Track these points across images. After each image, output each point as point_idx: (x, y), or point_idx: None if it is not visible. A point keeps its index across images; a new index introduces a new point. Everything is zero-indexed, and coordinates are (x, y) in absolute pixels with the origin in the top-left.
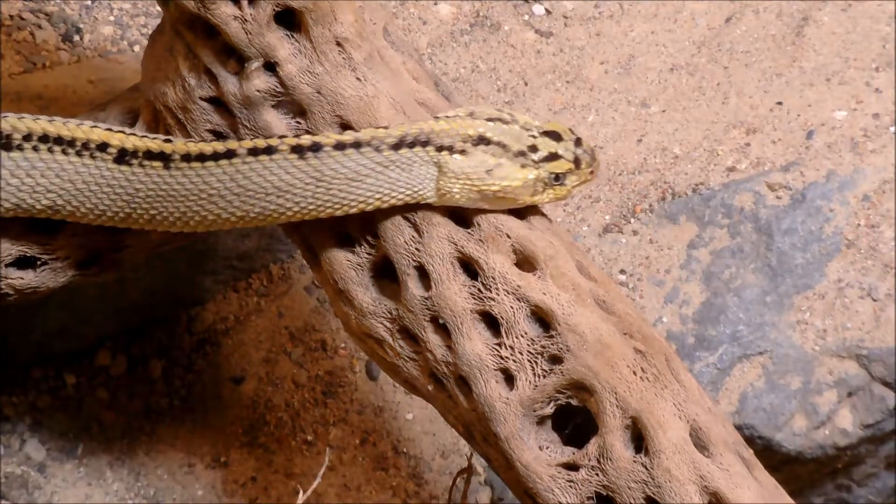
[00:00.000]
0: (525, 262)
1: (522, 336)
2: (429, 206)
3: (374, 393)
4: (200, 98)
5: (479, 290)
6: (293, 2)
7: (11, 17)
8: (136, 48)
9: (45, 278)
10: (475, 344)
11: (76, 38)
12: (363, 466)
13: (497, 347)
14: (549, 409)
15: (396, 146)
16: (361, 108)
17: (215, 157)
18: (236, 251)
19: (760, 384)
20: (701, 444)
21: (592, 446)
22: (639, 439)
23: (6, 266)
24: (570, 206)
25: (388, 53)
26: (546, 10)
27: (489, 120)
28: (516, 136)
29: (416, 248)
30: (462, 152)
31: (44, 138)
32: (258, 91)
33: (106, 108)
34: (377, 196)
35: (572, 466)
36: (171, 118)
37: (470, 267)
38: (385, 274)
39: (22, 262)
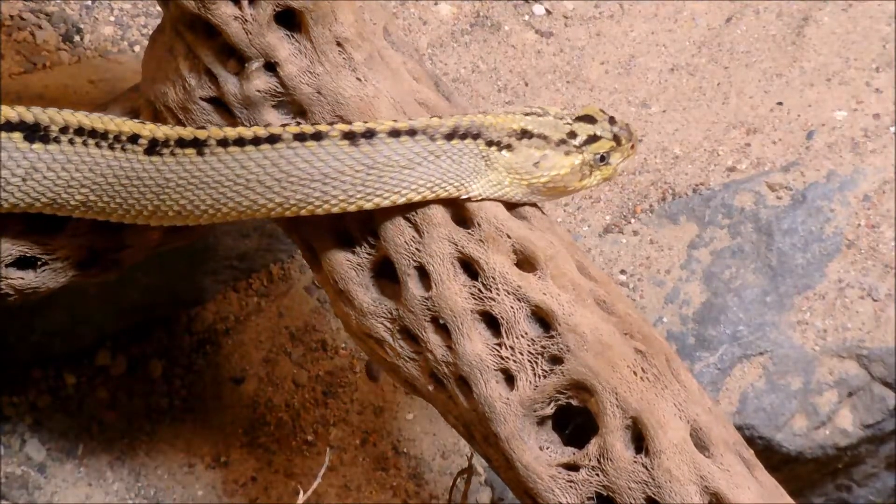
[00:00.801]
0: (525, 263)
1: (523, 336)
2: (427, 206)
3: (374, 393)
4: (201, 98)
5: (479, 290)
6: (293, 2)
7: (11, 17)
8: (137, 48)
9: (45, 278)
10: (475, 344)
11: (76, 38)
12: (363, 466)
13: (497, 347)
14: (550, 410)
15: (449, 136)
16: (361, 109)
17: (256, 141)
18: (236, 251)
19: (761, 384)
20: (701, 444)
21: (593, 446)
22: (639, 439)
23: (6, 266)
24: (570, 206)
25: (388, 53)
26: (546, 10)
27: (526, 114)
28: (553, 125)
29: (417, 249)
30: (508, 147)
31: (79, 131)
32: (258, 91)
33: (106, 108)
34: (427, 186)
35: (573, 467)
36: (172, 118)
37: (470, 267)
38: (385, 274)
39: (22, 263)
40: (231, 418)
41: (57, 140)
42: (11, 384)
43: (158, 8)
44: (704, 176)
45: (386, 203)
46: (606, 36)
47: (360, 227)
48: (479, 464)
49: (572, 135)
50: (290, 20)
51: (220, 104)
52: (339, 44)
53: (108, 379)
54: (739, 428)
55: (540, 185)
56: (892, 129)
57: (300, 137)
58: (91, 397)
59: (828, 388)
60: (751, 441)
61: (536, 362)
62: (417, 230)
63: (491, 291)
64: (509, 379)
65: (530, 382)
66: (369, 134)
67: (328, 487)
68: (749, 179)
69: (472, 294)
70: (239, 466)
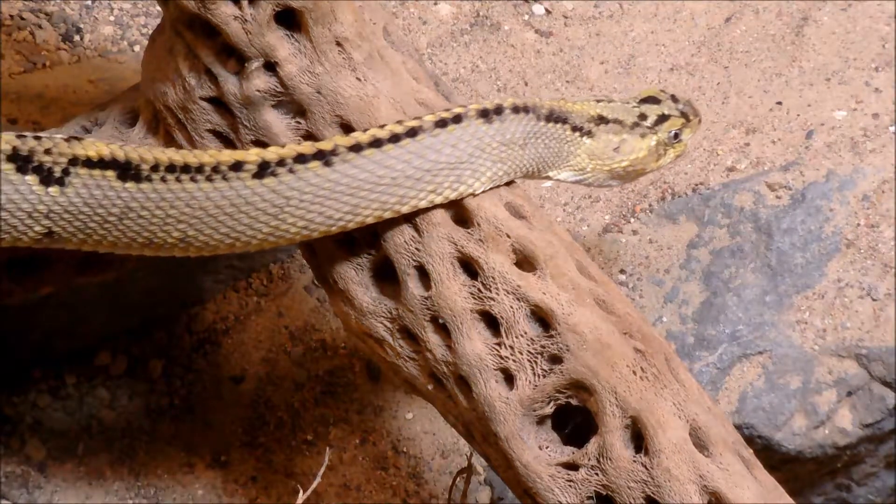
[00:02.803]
0: (525, 262)
1: (522, 336)
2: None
3: (374, 393)
4: (201, 98)
5: (478, 289)
6: (293, 2)
7: (11, 17)
8: (137, 48)
9: (45, 278)
10: (475, 344)
11: (76, 37)
12: (363, 466)
13: (497, 347)
14: (549, 409)
15: (548, 117)
16: (361, 108)
17: (395, 138)
18: None
19: (760, 384)
20: (701, 443)
21: (592, 446)
22: (638, 439)
23: (5, 266)
24: (570, 206)
25: (388, 53)
26: (546, 9)
27: (597, 101)
28: (625, 109)
29: (416, 248)
30: (589, 133)
31: (171, 168)
32: (258, 91)
33: (106, 108)
34: (523, 167)
35: (572, 466)
36: (172, 118)
37: (470, 267)
38: (385, 273)
39: (22, 263)
40: (231, 418)
41: (149, 179)
42: (11, 384)
43: (158, 8)
44: (704, 175)
45: (485, 185)
46: (606, 36)
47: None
48: (479, 463)
49: (643, 117)
50: (289, 20)
51: (219, 104)
52: (338, 43)
53: (108, 379)
54: (739, 427)
55: (620, 170)
56: (892, 128)
57: (441, 124)
58: (91, 397)
59: (827, 387)
60: (750, 440)
61: (536, 362)
62: (417, 230)
63: (490, 291)
64: (509, 378)
65: (530, 382)
66: (498, 111)
67: (328, 487)
68: (748, 179)
69: (471, 294)
70: (239, 466)
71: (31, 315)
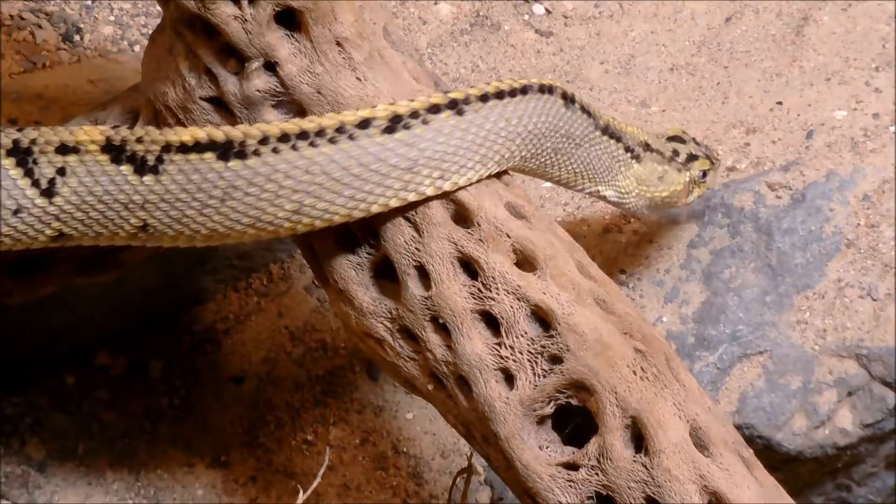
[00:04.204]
0: (525, 262)
1: (522, 336)
2: (427, 205)
3: (374, 393)
4: (201, 98)
5: (479, 289)
6: (293, 1)
7: (11, 17)
8: (137, 48)
9: (45, 279)
10: (475, 344)
11: (76, 37)
12: (363, 466)
13: (497, 347)
14: (549, 409)
15: (604, 130)
16: (361, 108)
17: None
18: (236, 250)
19: (760, 384)
20: (701, 443)
21: (592, 446)
22: (639, 439)
23: (7, 267)
24: (570, 206)
25: (388, 53)
26: (546, 9)
27: (640, 128)
28: (661, 142)
29: (416, 248)
30: (638, 158)
31: (284, 138)
32: (258, 91)
33: (106, 108)
34: (578, 170)
35: (572, 466)
36: (172, 118)
37: (470, 267)
38: (385, 274)
39: (23, 263)
40: (231, 418)
41: (257, 153)
42: (11, 384)
43: (158, 8)
44: None
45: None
46: (606, 36)
47: (360, 226)
48: (479, 463)
49: (675, 153)
50: (289, 20)
51: (219, 104)
52: (338, 43)
53: (108, 379)
54: (739, 427)
55: (659, 200)
56: (892, 128)
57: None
58: (91, 397)
59: (827, 387)
60: (750, 440)
61: (536, 362)
62: (417, 230)
63: (491, 291)
64: (509, 378)
65: (530, 382)
66: (572, 99)
67: (328, 487)
68: (749, 179)
69: (471, 294)
70: (239, 466)
71: (31, 315)
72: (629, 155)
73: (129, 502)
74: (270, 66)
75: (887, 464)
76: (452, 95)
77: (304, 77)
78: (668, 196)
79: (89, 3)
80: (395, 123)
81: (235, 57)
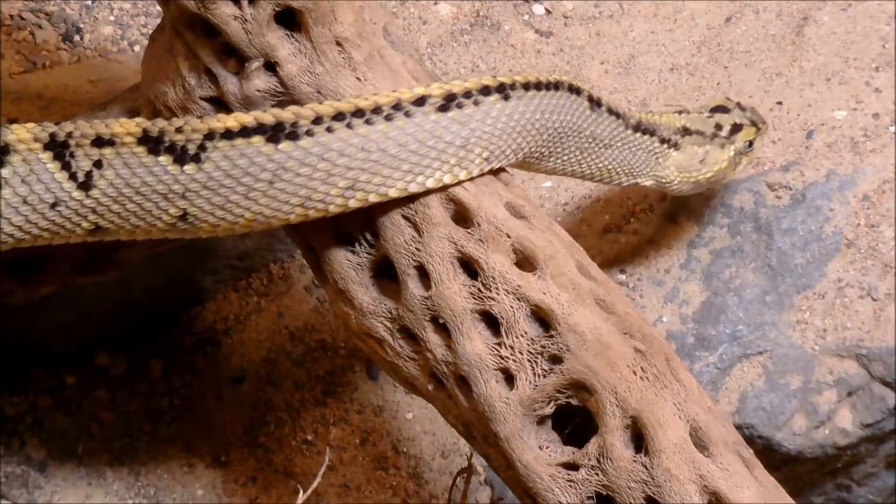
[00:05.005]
0: (525, 262)
1: (522, 336)
2: (427, 205)
3: (374, 393)
4: (201, 98)
5: (479, 289)
6: (293, 1)
7: (11, 16)
8: (137, 48)
9: (45, 279)
10: (475, 344)
11: (76, 37)
12: (363, 466)
13: (497, 347)
14: (549, 409)
15: (636, 127)
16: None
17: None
18: (236, 250)
19: (760, 384)
20: (701, 443)
21: (592, 446)
22: (639, 439)
23: (7, 267)
24: (569, 206)
25: (388, 53)
26: (546, 9)
27: (678, 112)
28: (702, 120)
29: (416, 248)
30: (676, 146)
31: (339, 116)
32: (258, 91)
33: (106, 108)
34: (608, 168)
35: (572, 466)
36: (172, 118)
37: (470, 267)
38: (385, 273)
39: (23, 263)
40: (231, 418)
41: (310, 133)
42: (11, 384)
43: (158, 8)
44: None
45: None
46: (606, 36)
47: (359, 226)
48: (479, 463)
49: (718, 127)
50: (289, 20)
51: (219, 104)
52: (338, 43)
53: (108, 379)
54: (739, 427)
55: (703, 181)
56: (892, 128)
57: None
58: (91, 397)
59: (827, 387)
60: (750, 440)
61: (536, 362)
62: (417, 229)
63: (491, 291)
64: (509, 378)
65: (530, 382)
66: (598, 103)
67: (328, 487)
68: (748, 179)
69: (471, 293)
70: (239, 466)
71: (31, 315)
72: (665, 146)
73: (129, 502)
74: (270, 66)
75: (887, 464)
76: (501, 79)
77: (304, 77)
78: (713, 175)
79: (89, 3)
80: (449, 102)
81: (235, 57)
